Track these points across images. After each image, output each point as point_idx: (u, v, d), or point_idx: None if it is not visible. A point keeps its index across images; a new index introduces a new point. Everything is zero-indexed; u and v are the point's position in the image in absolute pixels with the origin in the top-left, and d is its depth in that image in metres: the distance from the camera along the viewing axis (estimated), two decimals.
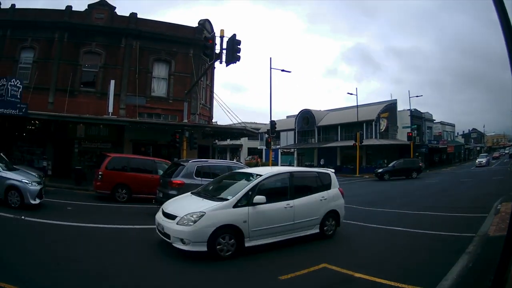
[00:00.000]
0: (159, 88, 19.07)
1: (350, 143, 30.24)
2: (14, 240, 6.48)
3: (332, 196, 7.39)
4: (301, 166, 40.30)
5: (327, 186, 7.50)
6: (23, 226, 7.77)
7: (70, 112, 17.86)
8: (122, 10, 21.04)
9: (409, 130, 31.63)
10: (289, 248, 6.48)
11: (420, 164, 24.67)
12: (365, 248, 6.85)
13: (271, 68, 20.19)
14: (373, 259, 5.80)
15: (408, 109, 34.26)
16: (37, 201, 9.53)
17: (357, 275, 4.87)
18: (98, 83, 18.88)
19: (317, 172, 7.82)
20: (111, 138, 18.58)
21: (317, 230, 6.95)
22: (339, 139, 36.06)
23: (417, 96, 32.80)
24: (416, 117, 35.95)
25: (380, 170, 25.44)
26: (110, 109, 17.66)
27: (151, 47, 18.91)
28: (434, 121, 42.72)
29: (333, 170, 8.23)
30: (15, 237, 6.68)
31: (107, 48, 18.98)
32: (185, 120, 18.34)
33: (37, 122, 18.88)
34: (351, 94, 31.32)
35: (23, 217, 8.26)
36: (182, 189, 8.81)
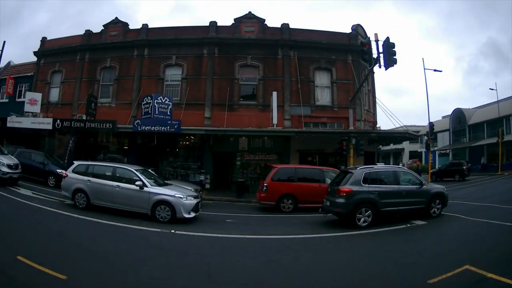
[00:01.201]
0: (323, 97, 19.07)
1: (494, 140, 30.68)
2: (157, 253, 6.66)
3: None
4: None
5: None
6: (170, 239, 7.92)
7: (230, 126, 17.79)
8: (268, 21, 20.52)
9: None
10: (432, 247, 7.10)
11: (464, 167, 24.99)
12: (501, 247, 7.10)
13: (424, 68, 21.07)
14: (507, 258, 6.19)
15: None
16: (192, 214, 9.64)
17: (490, 275, 5.15)
18: (259, 96, 18.68)
19: None
20: (276, 149, 18.45)
21: None
22: (485, 137, 36.08)
23: None
24: None
25: (431, 171, 26.55)
26: (275, 121, 17.59)
27: (310, 56, 19.28)
28: None
29: None
30: (159, 251, 6.86)
31: (263, 60, 19.19)
32: (351, 127, 18.19)
33: (192, 137, 18.95)
34: (492, 89, 32.43)
35: (172, 231, 8.42)
36: (350, 196, 9.11)
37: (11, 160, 14.47)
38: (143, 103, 17.87)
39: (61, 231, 7.92)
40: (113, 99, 19.69)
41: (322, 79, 19.46)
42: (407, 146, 46.91)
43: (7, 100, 22.16)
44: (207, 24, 19.84)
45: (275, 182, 12.50)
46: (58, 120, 18.39)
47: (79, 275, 5.21)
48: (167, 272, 5.51)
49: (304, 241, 7.94)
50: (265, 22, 19.87)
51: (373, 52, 16.90)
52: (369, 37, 18.14)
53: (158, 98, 17.51)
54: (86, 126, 17.97)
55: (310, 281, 5.27)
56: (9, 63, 24.40)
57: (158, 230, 8.43)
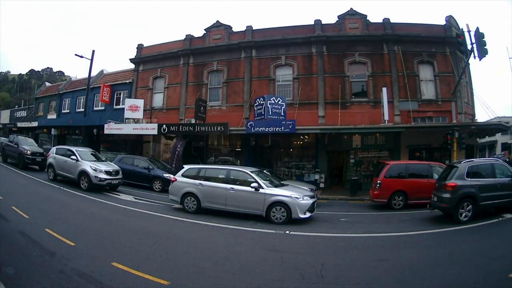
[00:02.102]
0: (427, 91, 19.99)
1: None
2: (270, 255, 6.78)
3: None
4: None
5: None
6: (284, 240, 8.08)
7: (344, 123, 18.38)
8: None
9: None
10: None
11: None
12: None
13: (510, 58, 21.53)
14: None
15: None
16: (307, 215, 9.82)
17: None
18: (370, 92, 19.46)
19: None
20: (387, 145, 19.12)
21: None
22: None
23: None
24: None
25: None
26: (386, 117, 18.13)
27: (412, 50, 20.15)
28: None
29: None
30: (272, 252, 6.96)
31: (370, 56, 19.93)
32: (454, 121, 18.75)
33: (306, 136, 19.52)
34: None
35: (287, 231, 8.65)
36: (455, 191, 9.46)
37: (110, 166, 14.85)
38: (255, 104, 18.18)
39: (165, 235, 7.92)
40: (223, 102, 19.97)
41: (425, 72, 20.16)
42: (499, 138, 46.61)
43: (103, 108, 22.00)
44: (312, 22, 20.27)
45: (387, 179, 12.88)
46: (164, 125, 18.60)
47: (183, 280, 5.16)
48: (280, 274, 5.62)
49: (412, 238, 8.34)
50: (367, 18, 20.21)
51: (467, 43, 17.71)
52: (462, 28, 18.77)
53: (271, 99, 17.86)
54: (196, 130, 18.18)
55: (415, 278, 5.59)
56: (102, 71, 23.99)
57: (273, 231, 8.63)
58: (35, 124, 26.10)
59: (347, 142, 18.90)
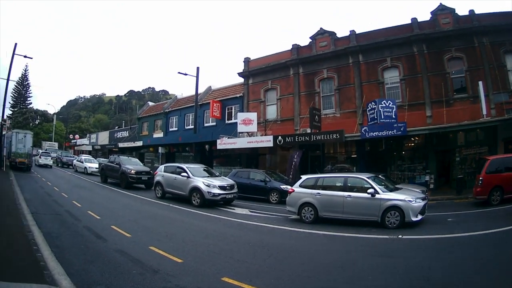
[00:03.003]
0: None
1: None
2: (383, 261, 6.95)
3: None
4: None
5: None
6: (397, 245, 8.37)
7: (448, 121, 19.19)
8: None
9: None
10: None
11: None
12: None
13: None
14: None
15: None
16: (419, 217, 9.95)
17: None
18: (468, 87, 20.59)
19: None
20: (487, 141, 19.53)
21: None
22: None
23: None
24: None
25: None
26: (484, 111, 18.63)
27: (497, 40, 21.22)
28: None
29: None
30: (385, 258, 7.13)
31: (464, 51, 21.05)
32: None
33: (416, 138, 20.16)
34: None
35: (400, 236, 8.83)
36: None
37: (224, 181, 15.34)
38: (368, 109, 19.22)
39: (281, 246, 8.11)
40: (337, 109, 20.88)
41: (511, 62, 21.45)
42: None
43: (214, 124, 22.28)
44: (408, 21, 21.06)
45: (488, 175, 13.16)
46: (280, 137, 19.39)
47: None
48: (390, 279, 5.75)
49: (506, 234, 8.50)
50: (456, 11, 21.13)
51: None
52: None
53: (382, 103, 18.77)
54: (311, 139, 18.91)
55: (507, 273, 5.73)
56: (209, 87, 23.69)
57: (386, 236, 8.80)
58: (139, 143, 25.76)
59: (452, 140, 19.66)
